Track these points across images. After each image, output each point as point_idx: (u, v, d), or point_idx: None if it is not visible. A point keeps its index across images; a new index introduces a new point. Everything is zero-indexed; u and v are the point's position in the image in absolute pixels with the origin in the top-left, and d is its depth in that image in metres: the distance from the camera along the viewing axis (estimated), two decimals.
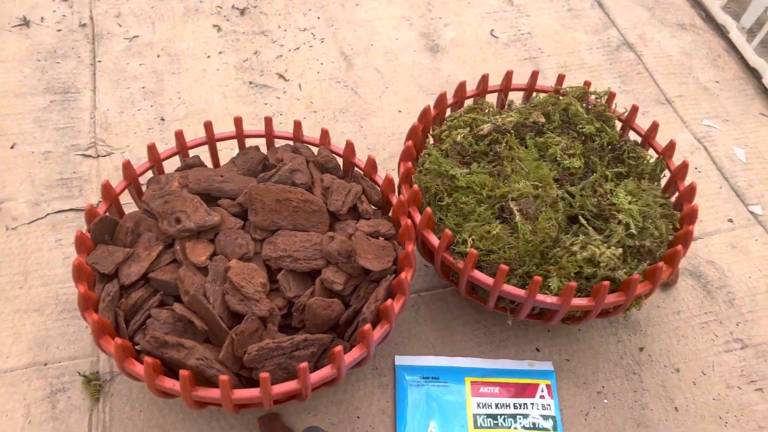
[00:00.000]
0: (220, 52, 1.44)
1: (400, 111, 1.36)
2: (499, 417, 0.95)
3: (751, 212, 1.25)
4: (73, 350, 0.99)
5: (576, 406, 0.99)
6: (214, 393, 0.76)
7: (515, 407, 0.96)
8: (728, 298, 1.13)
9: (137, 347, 0.82)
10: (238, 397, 0.76)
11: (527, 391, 0.98)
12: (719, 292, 1.13)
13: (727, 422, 0.98)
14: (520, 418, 0.95)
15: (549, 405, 0.97)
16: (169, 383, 0.77)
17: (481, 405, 0.96)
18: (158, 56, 1.42)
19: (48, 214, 1.14)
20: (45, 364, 0.97)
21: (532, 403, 0.97)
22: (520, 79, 1.17)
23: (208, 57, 1.43)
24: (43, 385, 0.95)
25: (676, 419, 0.98)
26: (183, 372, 0.74)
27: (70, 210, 1.15)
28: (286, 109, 1.34)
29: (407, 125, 1.14)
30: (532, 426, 0.95)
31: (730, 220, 1.24)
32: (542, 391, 0.98)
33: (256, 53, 1.44)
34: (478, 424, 0.94)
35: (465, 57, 1.49)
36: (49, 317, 1.02)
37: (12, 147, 1.23)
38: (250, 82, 1.38)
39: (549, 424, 0.95)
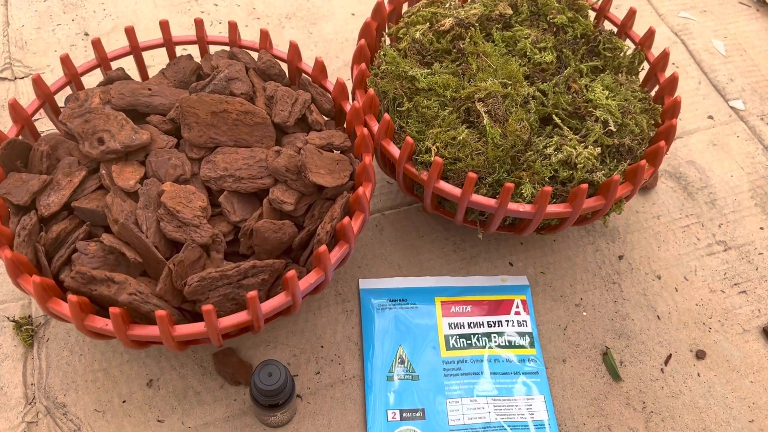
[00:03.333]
0: None
1: (353, 14, 1.23)
2: (472, 337, 0.89)
3: (732, 107, 1.18)
4: (0, 294, 0.89)
5: (554, 321, 0.93)
6: (152, 330, 0.68)
7: (489, 325, 0.90)
8: (710, 198, 1.06)
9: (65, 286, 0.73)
10: (180, 334, 0.68)
11: (501, 307, 0.91)
12: (700, 193, 1.07)
13: (711, 327, 0.93)
14: (494, 337, 0.89)
15: (525, 321, 0.91)
16: (101, 323, 0.67)
17: (452, 325, 0.89)
18: None
19: None
20: None
21: (507, 320, 0.90)
22: None
23: None
24: None
25: (659, 328, 0.93)
26: (113, 309, 0.65)
27: None
28: (225, 18, 1.20)
29: None
30: (507, 344, 0.88)
31: (710, 117, 1.16)
32: (517, 306, 0.92)
33: None
34: (451, 346, 0.88)
35: None
36: None
37: None
38: None
39: (525, 341, 0.89)
